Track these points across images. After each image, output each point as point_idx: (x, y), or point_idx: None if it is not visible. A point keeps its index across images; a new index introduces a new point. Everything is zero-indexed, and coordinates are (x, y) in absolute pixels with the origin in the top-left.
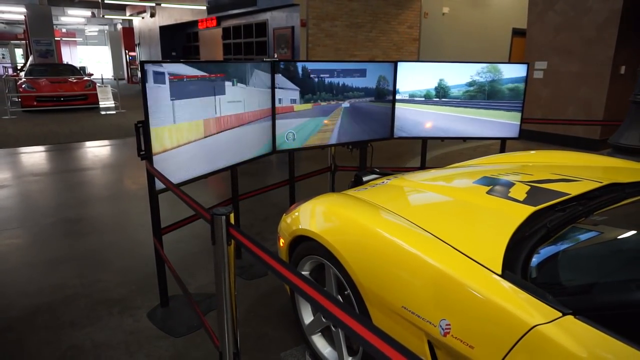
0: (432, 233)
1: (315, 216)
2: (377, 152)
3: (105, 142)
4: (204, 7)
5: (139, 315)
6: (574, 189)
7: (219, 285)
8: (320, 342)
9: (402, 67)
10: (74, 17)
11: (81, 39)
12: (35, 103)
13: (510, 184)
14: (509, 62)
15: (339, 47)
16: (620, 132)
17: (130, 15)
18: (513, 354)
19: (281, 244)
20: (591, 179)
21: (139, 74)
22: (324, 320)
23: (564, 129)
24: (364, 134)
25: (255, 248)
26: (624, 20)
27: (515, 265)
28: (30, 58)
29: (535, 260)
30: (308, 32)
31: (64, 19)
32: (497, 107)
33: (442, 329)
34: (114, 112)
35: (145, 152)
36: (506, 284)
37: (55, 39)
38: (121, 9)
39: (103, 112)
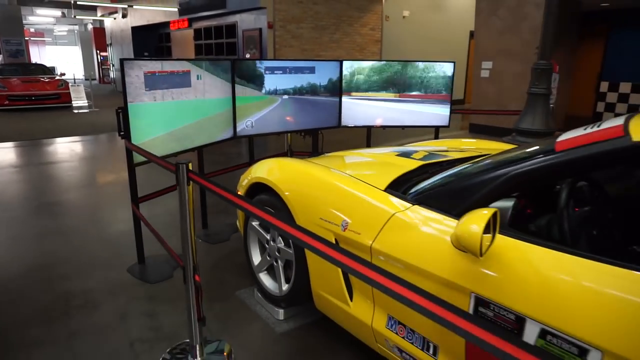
0: (348, 173)
1: (266, 167)
2: (327, 142)
3: (77, 137)
4: (176, 9)
5: (120, 270)
6: (457, 156)
7: (183, 214)
8: (266, 279)
9: (347, 65)
10: (43, 16)
11: (50, 39)
12: (6, 102)
13: (415, 151)
14: (439, 61)
15: (305, 48)
16: (520, 119)
17: (102, 15)
18: (382, 233)
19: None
20: (477, 154)
21: (111, 74)
22: (268, 258)
23: (508, 122)
24: (314, 122)
25: (211, 185)
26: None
27: (397, 187)
28: (0, 58)
29: (413, 186)
30: (275, 34)
31: (32, 19)
32: (431, 99)
33: (343, 226)
34: (87, 110)
35: (125, 133)
36: (383, 194)
37: (25, 38)
38: (92, 9)
39: (76, 111)
